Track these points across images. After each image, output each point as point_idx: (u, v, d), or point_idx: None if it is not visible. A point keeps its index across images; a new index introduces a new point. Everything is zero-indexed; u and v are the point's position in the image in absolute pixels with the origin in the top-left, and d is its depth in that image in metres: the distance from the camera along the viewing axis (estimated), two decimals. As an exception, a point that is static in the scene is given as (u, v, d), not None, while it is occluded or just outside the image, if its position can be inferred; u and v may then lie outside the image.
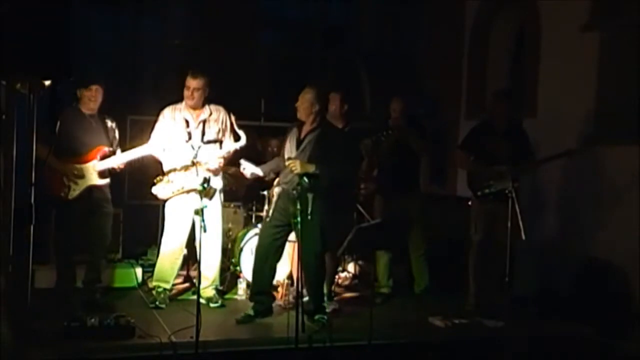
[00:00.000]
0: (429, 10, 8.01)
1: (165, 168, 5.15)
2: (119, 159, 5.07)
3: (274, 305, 5.21)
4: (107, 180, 5.06)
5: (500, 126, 5.37)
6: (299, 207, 4.41)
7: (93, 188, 5.00)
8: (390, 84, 7.38)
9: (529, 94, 6.49)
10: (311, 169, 4.64)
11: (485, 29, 7.38)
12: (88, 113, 5.04)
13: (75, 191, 4.93)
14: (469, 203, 5.62)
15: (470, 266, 5.54)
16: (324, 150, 4.72)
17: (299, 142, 4.80)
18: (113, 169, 5.07)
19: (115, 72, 6.70)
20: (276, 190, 4.85)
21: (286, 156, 4.81)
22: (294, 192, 4.54)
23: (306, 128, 4.82)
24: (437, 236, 5.98)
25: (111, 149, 5.09)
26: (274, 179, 5.08)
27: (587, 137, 5.73)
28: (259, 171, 5.00)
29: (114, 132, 5.18)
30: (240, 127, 5.12)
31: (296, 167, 4.63)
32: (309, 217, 4.61)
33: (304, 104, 4.77)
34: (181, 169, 5.01)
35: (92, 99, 4.99)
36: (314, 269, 4.84)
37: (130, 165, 5.18)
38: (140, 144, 5.39)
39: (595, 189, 5.67)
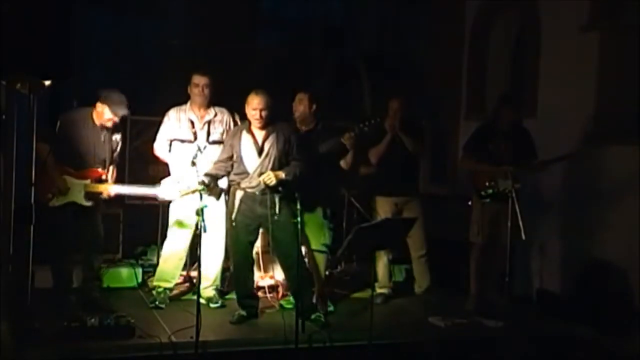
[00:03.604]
0: (429, 11, 8.01)
1: (172, 169, 5.16)
2: (111, 190, 4.95)
3: (275, 305, 5.23)
4: (90, 203, 4.91)
5: (503, 127, 5.37)
6: (276, 211, 4.51)
7: (74, 203, 4.89)
8: (390, 84, 7.38)
9: (528, 94, 6.49)
10: (282, 175, 4.68)
11: (485, 29, 7.38)
12: (98, 124, 4.92)
13: (57, 202, 4.81)
14: (469, 203, 5.62)
15: (472, 267, 5.55)
16: (287, 152, 4.78)
17: (258, 148, 4.76)
18: (101, 194, 4.97)
19: (115, 72, 6.70)
20: (238, 194, 4.82)
21: (246, 163, 4.76)
22: (261, 194, 4.65)
23: (262, 132, 4.79)
24: (437, 236, 5.97)
25: (106, 173, 4.98)
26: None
27: (587, 137, 5.73)
28: (209, 172, 4.86)
29: (117, 145, 5.11)
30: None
31: (272, 180, 4.63)
32: (277, 217, 4.66)
33: (262, 110, 4.70)
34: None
35: (107, 120, 4.88)
36: (291, 267, 4.81)
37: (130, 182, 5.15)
38: (141, 145, 5.40)
39: (595, 189, 5.67)
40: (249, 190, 4.77)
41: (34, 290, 3.77)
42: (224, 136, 5.16)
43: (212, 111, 5.19)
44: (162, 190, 5.01)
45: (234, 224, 4.81)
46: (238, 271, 4.99)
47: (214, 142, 5.11)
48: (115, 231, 6.13)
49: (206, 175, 4.74)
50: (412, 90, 7.39)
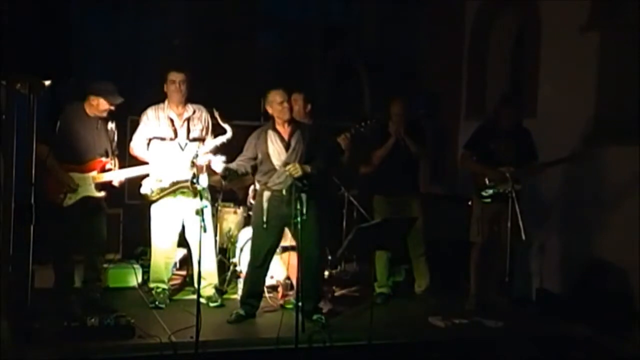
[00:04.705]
0: (429, 10, 8.01)
1: (152, 168, 5.16)
2: (119, 175, 5.03)
3: (275, 304, 5.24)
4: (103, 193, 5.00)
5: (504, 127, 5.37)
6: (299, 207, 4.45)
7: (88, 198, 4.96)
8: (390, 84, 7.39)
9: (528, 94, 6.49)
10: (308, 169, 4.70)
11: (485, 29, 7.38)
12: (92, 115, 5.01)
13: (71, 200, 4.88)
14: (469, 203, 5.62)
15: (472, 267, 5.55)
16: (313, 147, 4.81)
17: (285, 144, 4.80)
18: (111, 183, 5.03)
19: (115, 72, 6.70)
20: (265, 194, 4.83)
21: (274, 159, 4.79)
22: (288, 194, 4.61)
23: (287, 128, 4.84)
24: (437, 236, 5.97)
25: (110, 161, 5.03)
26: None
27: (587, 137, 5.73)
28: (230, 165, 4.89)
29: (114, 134, 5.16)
30: (239, 127, 5.13)
31: (297, 171, 4.64)
32: (305, 217, 4.65)
33: (287, 102, 4.79)
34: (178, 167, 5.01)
35: (103, 111, 4.95)
36: (313, 269, 4.87)
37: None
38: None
39: (595, 189, 5.66)
40: (275, 189, 4.77)
41: (34, 290, 3.76)
42: (204, 133, 5.18)
43: (190, 108, 5.20)
44: (143, 189, 5.04)
45: (264, 226, 4.80)
46: (254, 271, 4.96)
47: (194, 139, 5.12)
48: (115, 231, 6.14)
49: (226, 168, 4.80)
50: (412, 91, 7.40)
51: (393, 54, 8.07)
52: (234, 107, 5.27)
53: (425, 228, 5.67)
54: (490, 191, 5.28)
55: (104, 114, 4.97)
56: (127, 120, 6.09)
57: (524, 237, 4.73)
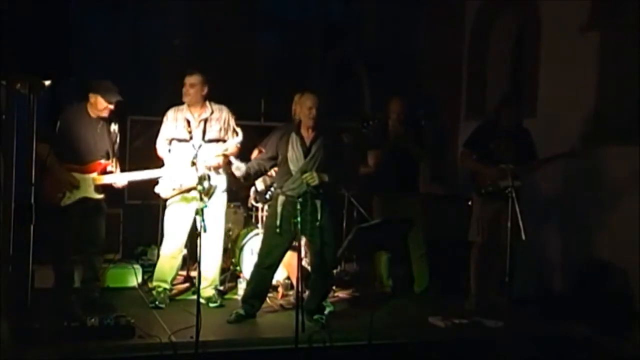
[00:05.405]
0: (429, 10, 8.01)
1: (166, 167, 5.17)
2: (120, 179, 5.04)
3: (275, 304, 5.24)
4: (102, 195, 5.00)
5: (504, 127, 5.37)
6: (299, 207, 4.45)
7: (87, 199, 4.97)
8: (390, 84, 7.38)
9: (528, 94, 6.49)
10: (325, 178, 4.68)
11: (485, 29, 7.38)
12: (94, 116, 5.01)
13: (69, 199, 4.88)
14: (469, 203, 5.61)
15: (472, 267, 5.55)
16: (333, 156, 4.79)
17: (305, 149, 4.78)
18: (112, 185, 5.04)
19: (115, 72, 6.69)
20: (280, 199, 4.82)
21: (292, 164, 4.77)
22: (300, 199, 4.58)
23: (310, 134, 4.80)
24: (437, 236, 5.97)
25: (111, 163, 5.04)
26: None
27: (587, 137, 5.74)
28: (250, 164, 4.94)
29: (116, 137, 5.17)
30: (239, 126, 5.14)
31: (314, 180, 4.62)
32: (318, 222, 4.67)
33: (316, 110, 4.74)
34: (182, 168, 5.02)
35: (102, 110, 4.96)
36: (323, 270, 4.91)
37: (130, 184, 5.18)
38: (141, 144, 5.41)
39: (595, 189, 5.67)
40: (289, 194, 4.75)
41: (34, 290, 3.76)
42: (222, 134, 5.17)
43: (208, 109, 5.19)
44: (158, 188, 5.05)
45: (278, 230, 4.78)
46: (260, 272, 4.95)
47: (211, 141, 5.11)
48: (115, 231, 6.14)
49: (249, 167, 4.84)
50: (412, 91, 7.40)
51: (393, 54, 8.07)
52: (234, 107, 5.28)
53: (425, 228, 5.66)
54: (491, 188, 5.28)
55: (104, 114, 4.96)
56: (127, 120, 6.10)
57: (524, 236, 4.71)
